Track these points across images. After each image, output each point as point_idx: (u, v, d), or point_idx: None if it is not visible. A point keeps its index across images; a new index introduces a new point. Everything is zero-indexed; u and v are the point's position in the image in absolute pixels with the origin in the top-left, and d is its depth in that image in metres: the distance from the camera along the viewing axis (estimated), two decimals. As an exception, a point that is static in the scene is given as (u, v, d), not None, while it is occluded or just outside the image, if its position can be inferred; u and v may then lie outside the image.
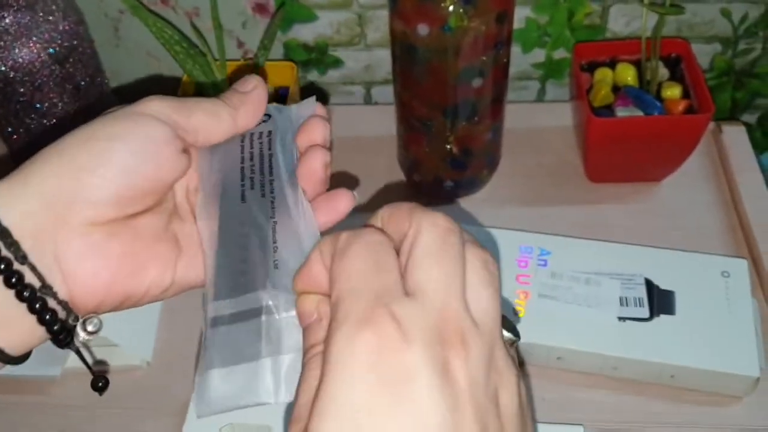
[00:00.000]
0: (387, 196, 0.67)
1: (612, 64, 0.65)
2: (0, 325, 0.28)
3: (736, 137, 0.68)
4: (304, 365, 0.25)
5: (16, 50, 0.58)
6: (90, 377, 0.32)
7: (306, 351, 0.26)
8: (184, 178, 0.32)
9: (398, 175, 0.68)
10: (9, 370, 0.57)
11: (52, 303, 0.28)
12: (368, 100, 0.80)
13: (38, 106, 0.61)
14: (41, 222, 0.28)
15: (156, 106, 0.31)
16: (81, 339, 0.30)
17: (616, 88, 0.63)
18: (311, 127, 0.33)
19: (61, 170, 0.28)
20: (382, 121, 0.71)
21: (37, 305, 0.28)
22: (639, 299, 0.54)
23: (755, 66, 0.74)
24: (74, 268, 0.29)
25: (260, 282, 0.29)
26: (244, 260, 0.30)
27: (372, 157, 0.69)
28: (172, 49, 0.60)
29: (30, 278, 0.28)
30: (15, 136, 0.64)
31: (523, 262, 0.57)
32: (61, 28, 0.60)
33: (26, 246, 0.28)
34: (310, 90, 0.79)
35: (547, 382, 0.54)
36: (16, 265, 0.27)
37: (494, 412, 0.23)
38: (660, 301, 0.54)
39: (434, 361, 0.22)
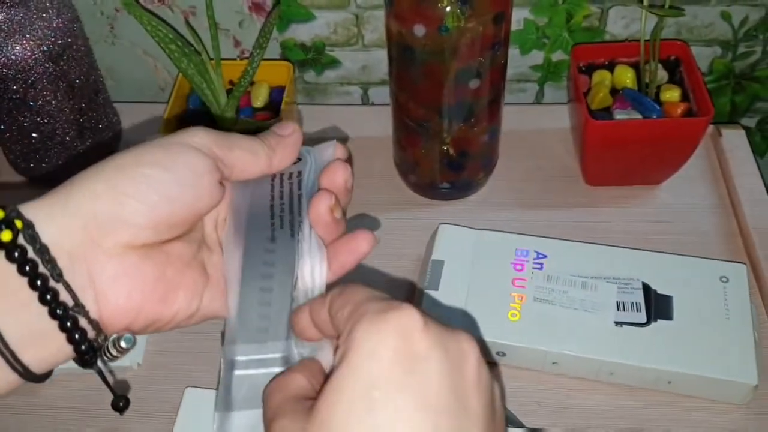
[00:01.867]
0: (382, 197, 0.66)
1: (610, 67, 0.64)
2: (29, 342, 0.28)
3: (735, 141, 0.67)
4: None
5: (9, 47, 0.57)
6: (110, 396, 0.33)
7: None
8: (215, 210, 0.33)
9: (394, 177, 0.67)
10: None
11: (82, 322, 0.29)
12: (365, 101, 0.79)
13: (32, 104, 0.61)
14: (78, 241, 0.28)
15: (199, 138, 0.31)
16: (113, 355, 0.30)
17: (614, 91, 0.63)
18: (333, 170, 0.34)
19: (102, 193, 0.29)
20: (378, 122, 0.70)
21: (69, 323, 0.28)
22: (636, 304, 0.53)
23: (755, 69, 0.74)
24: (107, 288, 0.29)
25: (283, 330, 0.30)
26: (267, 303, 0.31)
27: (368, 158, 0.69)
28: (167, 48, 0.59)
29: (63, 296, 0.28)
30: (8, 134, 0.63)
31: (519, 266, 0.56)
32: (54, 25, 0.59)
33: (62, 264, 0.28)
34: (310, 92, 0.78)
35: (543, 388, 0.53)
36: (52, 283, 0.28)
37: (491, 405, 0.26)
38: (657, 306, 0.53)
39: (448, 348, 0.25)
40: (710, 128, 0.68)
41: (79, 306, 0.28)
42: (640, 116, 0.60)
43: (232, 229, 0.33)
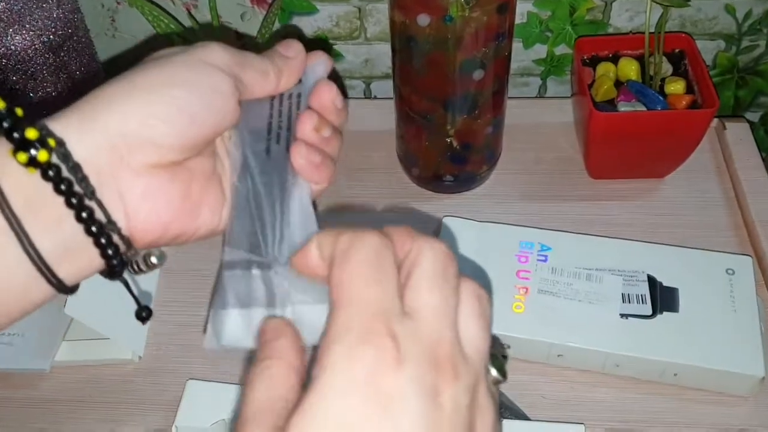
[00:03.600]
0: (386, 190, 0.66)
1: (614, 59, 0.64)
2: (63, 258, 0.28)
3: (739, 134, 0.67)
4: (260, 366, 0.26)
5: (9, 37, 0.57)
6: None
7: (262, 358, 0.26)
8: None
9: (397, 170, 0.67)
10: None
11: (115, 238, 0.29)
12: (368, 95, 0.79)
13: (31, 95, 0.60)
14: (106, 160, 0.28)
15: (219, 56, 0.31)
16: (141, 269, 0.31)
17: (618, 84, 0.62)
18: (318, 92, 0.34)
19: (131, 112, 0.29)
20: (381, 116, 0.70)
21: (103, 240, 0.28)
22: (642, 296, 0.53)
23: (759, 63, 0.73)
24: (137, 205, 0.29)
25: (270, 247, 0.30)
26: (260, 218, 0.31)
27: (371, 152, 0.68)
28: (168, 39, 0.59)
29: (97, 214, 0.28)
30: (7, 126, 0.63)
31: (523, 258, 0.56)
32: (55, 15, 0.58)
33: (93, 182, 0.28)
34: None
35: (548, 380, 0.53)
36: (86, 201, 0.28)
37: None
38: (663, 298, 0.53)
39: (425, 385, 0.23)
40: (714, 121, 0.67)
41: (112, 223, 0.29)
42: (644, 108, 0.60)
43: (235, 143, 0.34)
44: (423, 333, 0.23)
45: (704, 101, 0.59)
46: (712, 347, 0.50)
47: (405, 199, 0.65)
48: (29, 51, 0.58)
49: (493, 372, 0.26)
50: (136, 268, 0.31)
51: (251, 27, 0.73)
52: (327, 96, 0.34)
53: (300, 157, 0.33)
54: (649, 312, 0.52)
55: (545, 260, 0.55)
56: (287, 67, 0.34)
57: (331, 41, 0.73)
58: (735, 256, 0.55)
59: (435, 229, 0.59)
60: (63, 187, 0.27)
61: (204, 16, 0.71)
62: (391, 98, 0.63)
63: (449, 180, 0.64)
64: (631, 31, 0.71)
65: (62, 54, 0.60)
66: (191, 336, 0.56)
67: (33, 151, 0.27)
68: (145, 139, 0.29)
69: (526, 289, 0.54)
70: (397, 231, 0.26)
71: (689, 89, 0.61)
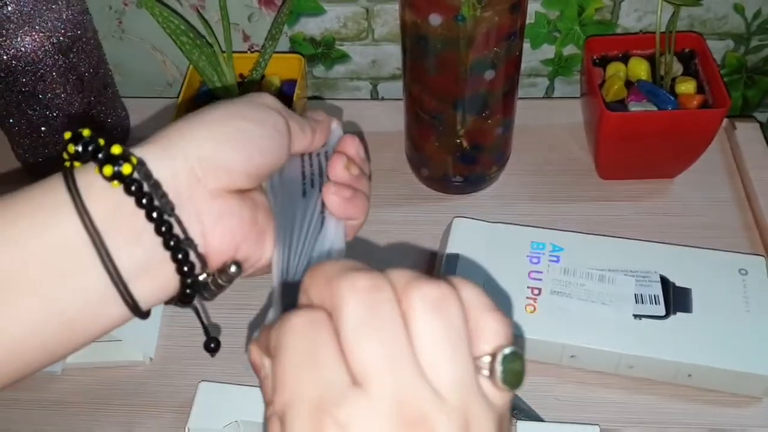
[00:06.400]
0: (394, 192, 0.66)
1: (624, 59, 0.64)
2: (140, 273, 0.29)
3: (750, 134, 0.67)
4: (266, 420, 0.25)
5: (19, 39, 0.56)
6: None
7: (266, 404, 0.25)
8: None
9: (406, 171, 0.67)
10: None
11: (192, 256, 0.30)
12: (375, 96, 0.79)
13: (41, 97, 0.60)
14: (184, 181, 0.30)
15: (273, 102, 0.35)
16: (219, 285, 0.32)
17: (628, 84, 0.62)
18: (343, 143, 0.39)
19: (206, 139, 0.31)
20: (388, 117, 0.70)
21: (180, 255, 0.30)
22: (655, 297, 0.53)
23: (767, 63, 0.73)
24: (213, 225, 0.31)
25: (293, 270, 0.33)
26: (290, 246, 0.34)
27: (379, 153, 0.68)
28: (178, 40, 0.59)
29: (175, 230, 0.30)
30: (16, 128, 0.62)
31: (535, 259, 0.55)
32: (64, 16, 0.58)
33: (172, 200, 0.30)
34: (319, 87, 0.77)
35: (561, 381, 0.52)
36: (165, 216, 0.29)
37: None
38: (676, 299, 0.52)
39: None
40: (724, 121, 0.67)
41: (189, 240, 0.30)
42: (655, 108, 0.60)
43: (272, 194, 0.36)
44: (377, 398, 0.21)
45: (715, 101, 0.59)
46: (726, 348, 0.50)
47: (413, 200, 0.65)
48: (39, 53, 0.58)
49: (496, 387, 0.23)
50: (214, 284, 0.32)
51: (258, 29, 0.72)
52: (351, 146, 0.38)
53: (331, 192, 0.35)
54: (663, 313, 0.52)
55: (557, 261, 0.55)
56: (319, 128, 0.37)
57: (338, 42, 0.73)
58: (748, 257, 0.55)
59: (445, 230, 0.59)
60: (144, 201, 0.29)
61: (211, 17, 0.71)
62: (399, 99, 0.63)
63: (458, 181, 0.64)
64: (640, 31, 0.71)
65: (71, 56, 0.60)
66: (203, 338, 0.56)
67: (117, 167, 0.28)
68: (219, 163, 0.31)
69: (539, 290, 0.53)
70: (314, 283, 0.24)
71: (700, 89, 0.61)
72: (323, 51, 0.74)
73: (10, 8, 0.56)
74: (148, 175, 0.29)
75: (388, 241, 0.62)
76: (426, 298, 0.22)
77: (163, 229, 0.29)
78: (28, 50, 0.57)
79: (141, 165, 0.29)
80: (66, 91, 0.61)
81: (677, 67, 0.62)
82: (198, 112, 0.32)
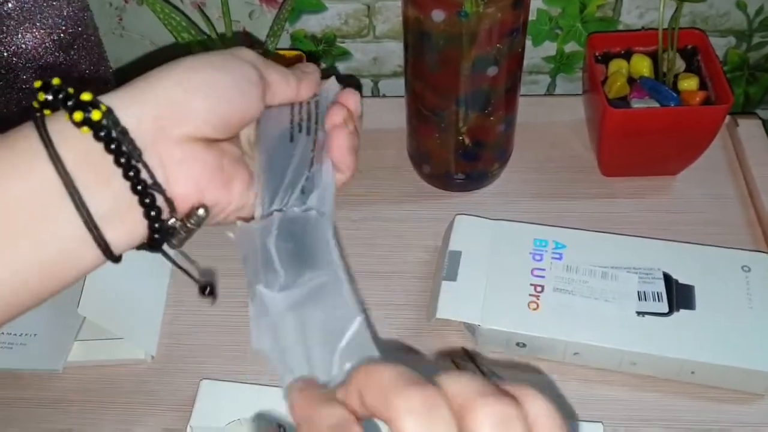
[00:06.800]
0: (396, 189, 0.65)
1: (627, 56, 0.63)
2: (110, 218, 0.30)
3: (752, 131, 0.67)
4: None
5: (20, 36, 0.56)
6: None
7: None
8: (248, 127, 0.36)
9: (407, 168, 0.66)
10: (10, 364, 0.55)
11: (159, 200, 0.31)
12: (376, 93, 0.79)
13: (41, 94, 0.60)
14: (149, 128, 0.31)
15: (249, 55, 0.35)
16: (188, 229, 0.33)
17: (630, 80, 0.62)
18: (344, 95, 0.39)
19: (172, 89, 0.32)
20: (390, 114, 0.69)
21: (148, 199, 0.30)
22: (658, 294, 0.52)
23: (770, 60, 0.73)
24: (176, 171, 0.31)
25: (288, 197, 0.35)
26: (282, 178, 0.35)
27: (380, 150, 0.68)
28: (179, 36, 0.58)
29: (143, 174, 0.30)
30: (17, 125, 0.62)
31: (538, 256, 0.55)
32: (65, 13, 0.58)
33: (138, 146, 0.30)
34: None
35: (564, 378, 0.52)
36: (133, 161, 0.30)
37: None
38: (679, 296, 0.52)
39: None
40: (726, 118, 0.67)
41: (156, 184, 0.31)
42: (657, 105, 0.59)
43: (259, 141, 0.37)
44: None
45: (718, 97, 0.59)
46: (729, 344, 0.50)
47: (415, 197, 0.65)
48: (40, 49, 0.57)
49: None
50: (183, 228, 0.33)
51: (259, 25, 0.72)
52: (352, 100, 0.38)
53: (339, 138, 0.36)
54: (666, 310, 0.52)
55: (560, 258, 0.55)
56: (306, 78, 0.38)
57: (339, 39, 0.73)
58: (751, 253, 0.55)
59: (448, 227, 0.59)
60: (113, 146, 0.29)
61: (212, 15, 0.70)
62: (400, 96, 0.62)
63: (460, 178, 0.64)
64: (642, 28, 0.71)
65: (72, 52, 0.60)
66: (204, 336, 0.56)
67: (87, 114, 0.29)
68: (184, 111, 0.31)
69: (542, 287, 0.53)
70: (368, 387, 0.23)
71: (702, 86, 0.61)
72: (324, 48, 0.74)
73: (10, 5, 0.56)
74: (116, 122, 0.30)
75: (389, 239, 0.62)
76: (490, 420, 0.22)
77: (131, 173, 0.30)
78: (29, 47, 0.57)
79: (109, 112, 0.30)
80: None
81: (680, 64, 0.62)
82: (171, 62, 0.33)
